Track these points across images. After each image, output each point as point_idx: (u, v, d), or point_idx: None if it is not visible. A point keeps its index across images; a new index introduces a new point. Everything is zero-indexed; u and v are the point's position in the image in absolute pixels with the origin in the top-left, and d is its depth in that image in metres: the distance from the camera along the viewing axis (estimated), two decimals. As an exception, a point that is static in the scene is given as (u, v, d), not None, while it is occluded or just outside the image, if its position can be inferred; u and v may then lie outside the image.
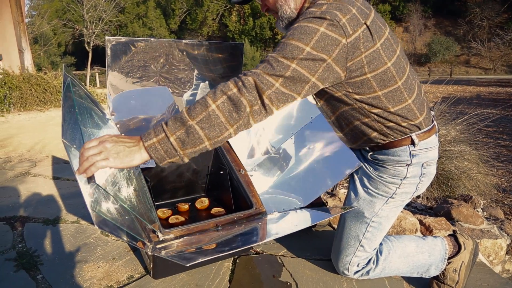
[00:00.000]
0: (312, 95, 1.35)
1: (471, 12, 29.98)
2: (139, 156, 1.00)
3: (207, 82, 1.95)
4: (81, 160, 0.97)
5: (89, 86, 16.98)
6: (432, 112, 1.41)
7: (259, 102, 1.05)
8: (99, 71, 22.38)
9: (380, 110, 1.26)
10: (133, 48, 1.66)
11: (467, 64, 31.79)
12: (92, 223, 2.00)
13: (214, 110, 1.01)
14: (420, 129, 1.30)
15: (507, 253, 2.01)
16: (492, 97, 12.48)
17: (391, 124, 1.28)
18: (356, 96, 1.24)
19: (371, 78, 1.19)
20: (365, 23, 1.14)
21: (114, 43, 1.61)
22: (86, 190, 1.05)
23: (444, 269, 1.45)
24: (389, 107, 1.25)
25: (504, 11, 30.14)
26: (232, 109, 1.02)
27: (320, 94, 1.30)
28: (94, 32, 23.53)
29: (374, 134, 1.32)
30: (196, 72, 1.89)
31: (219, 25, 38.39)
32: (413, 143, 1.29)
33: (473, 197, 2.55)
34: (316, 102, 1.41)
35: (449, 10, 33.37)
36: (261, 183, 1.80)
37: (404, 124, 1.27)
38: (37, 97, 6.32)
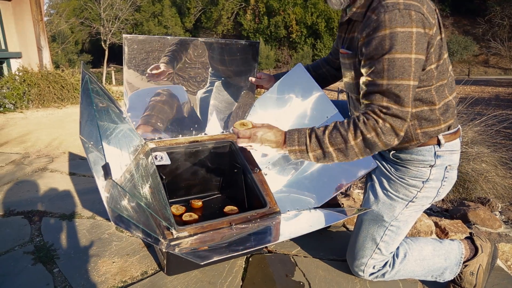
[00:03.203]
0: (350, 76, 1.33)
1: (491, 10, 29.22)
2: (277, 152, 1.27)
3: (222, 80, 1.95)
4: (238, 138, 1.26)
5: (105, 84, 17.17)
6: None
7: (395, 138, 1.13)
8: (115, 69, 22.67)
9: (425, 108, 1.23)
10: (149, 46, 1.67)
11: (485, 64, 31.07)
12: (107, 218, 2.03)
13: (352, 146, 1.15)
14: (448, 130, 1.28)
15: (526, 258, 1.96)
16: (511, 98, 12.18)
17: (425, 129, 1.26)
18: None
19: (434, 68, 1.18)
20: (435, 10, 1.15)
21: (131, 40, 1.62)
22: (103, 186, 1.07)
23: (461, 272, 1.43)
24: (436, 102, 1.23)
25: (526, 10, 29.35)
26: (368, 148, 1.15)
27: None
28: (110, 31, 23.83)
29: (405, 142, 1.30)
30: (211, 70, 1.89)
31: (234, 23, 38.40)
32: (439, 143, 1.27)
33: (491, 200, 2.49)
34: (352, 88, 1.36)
35: (468, 8, 32.62)
36: (275, 182, 1.79)
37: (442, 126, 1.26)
38: (55, 94, 6.43)
